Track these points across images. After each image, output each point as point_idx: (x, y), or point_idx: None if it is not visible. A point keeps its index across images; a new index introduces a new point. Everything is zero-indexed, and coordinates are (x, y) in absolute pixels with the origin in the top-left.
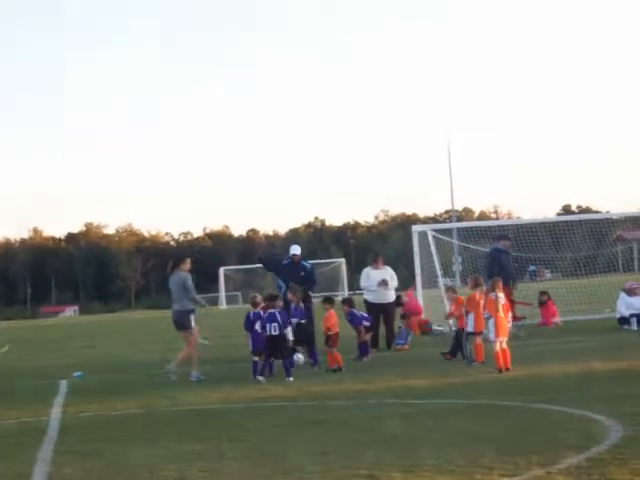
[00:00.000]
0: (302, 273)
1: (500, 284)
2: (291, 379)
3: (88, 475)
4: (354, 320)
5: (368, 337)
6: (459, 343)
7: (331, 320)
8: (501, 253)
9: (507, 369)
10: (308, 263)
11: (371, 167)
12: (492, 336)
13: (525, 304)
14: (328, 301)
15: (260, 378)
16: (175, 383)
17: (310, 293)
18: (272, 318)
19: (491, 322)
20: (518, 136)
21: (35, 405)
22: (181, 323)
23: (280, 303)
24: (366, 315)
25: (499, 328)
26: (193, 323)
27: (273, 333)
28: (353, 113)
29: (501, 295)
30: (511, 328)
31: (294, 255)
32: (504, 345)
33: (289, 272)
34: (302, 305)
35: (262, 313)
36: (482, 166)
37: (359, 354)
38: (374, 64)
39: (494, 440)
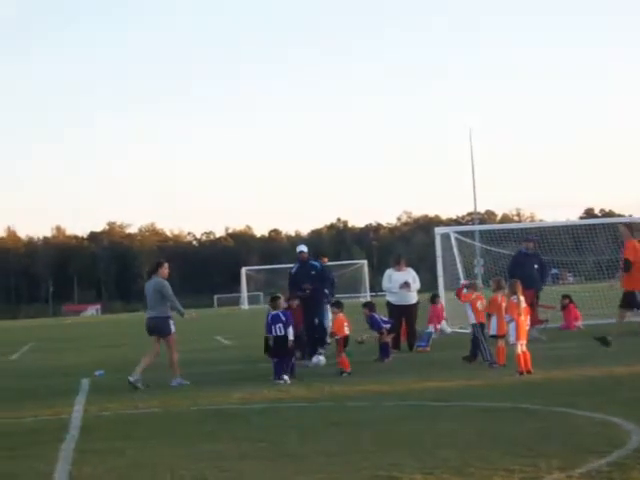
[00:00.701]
0: (312, 272)
1: (519, 286)
2: (288, 380)
3: (109, 474)
4: (374, 324)
5: (389, 339)
6: (476, 345)
7: (337, 324)
8: (522, 256)
9: (528, 372)
10: (318, 262)
11: (394, 169)
12: (512, 339)
13: (548, 307)
14: (336, 305)
15: (285, 377)
16: (195, 383)
17: (326, 292)
18: (277, 319)
19: (512, 325)
20: (541, 139)
21: (56, 403)
22: (159, 330)
23: (282, 303)
24: (386, 319)
25: (520, 331)
26: (173, 328)
27: (279, 334)
28: (377, 114)
29: (522, 298)
30: (530, 331)
31: (301, 252)
32: (524, 348)
33: (299, 275)
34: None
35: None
36: (505, 168)
37: (380, 355)
38: (399, 64)
39: (514, 443)
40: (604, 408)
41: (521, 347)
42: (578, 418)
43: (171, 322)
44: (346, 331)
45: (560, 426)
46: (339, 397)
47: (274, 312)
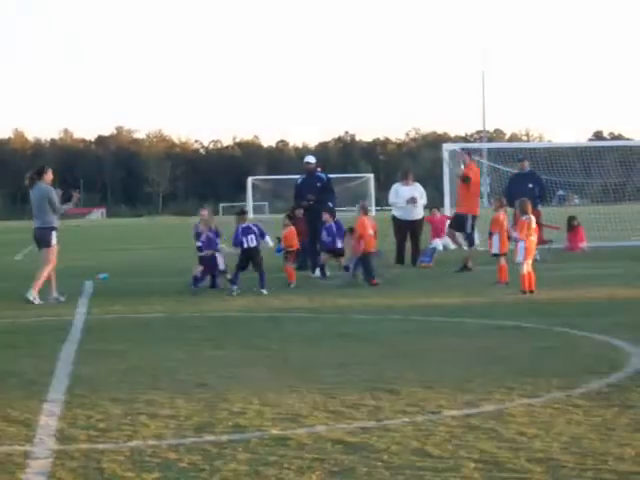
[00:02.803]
0: (318, 184)
1: (529, 206)
2: (264, 292)
3: (110, 376)
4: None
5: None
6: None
7: (290, 237)
8: (516, 176)
9: (531, 291)
10: (324, 174)
11: (404, 84)
12: (520, 258)
13: (553, 228)
14: (288, 217)
15: (234, 287)
16: (200, 289)
17: (330, 205)
18: (248, 230)
19: (521, 245)
20: (553, 59)
21: (59, 305)
22: (42, 240)
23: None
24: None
25: (528, 251)
26: (54, 241)
27: (250, 245)
28: (388, 28)
29: (532, 217)
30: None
31: (307, 163)
32: (530, 267)
33: (305, 186)
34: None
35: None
36: (515, 88)
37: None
38: None
39: (515, 361)
40: (606, 330)
41: (527, 267)
42: (579, 339)
43: (53, 233)
44: (296, 244)
45: (561, 346)
46: (343, 309)
47: (244, 224)
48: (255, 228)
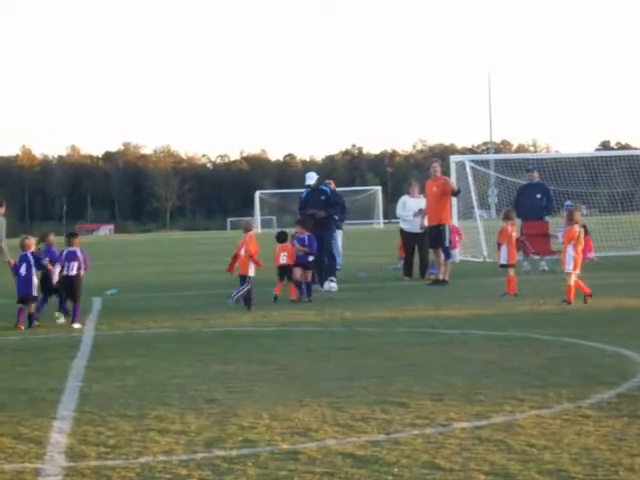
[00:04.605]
0: (322, 197)
1: (578, 215)
2: (76, 326)
3: (119, 392)
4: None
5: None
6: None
7: (276, 255)
8: (524, 187)
9: (569, 302)
10: (328, 187)
11: (410, 96)
12: (570, 267)
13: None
14: (277, 237)
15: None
16: (208, 305)
17: (336, 217)
18: (73, 257)
19: (570, 253)
20: (560, 69)
21: (68, 321)
22: None
23: (52, 238)
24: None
25: (577, 261)
26: None
27: (70, 273)
28: (395, 41)
29: (580, 229)
30: (541, 261)
31: (309, 185)
32: (576, 278)
33: (310, 201)
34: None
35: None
36: (522, 98)
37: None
38: None
39: (525, 372)
40: (614, 340)
41: (575, 277)
42: (588, 349)
43: None
44: (281, 261)
45: (570, 357)
46: (350, 322)
47: (70, 249)
48: (80, 255)
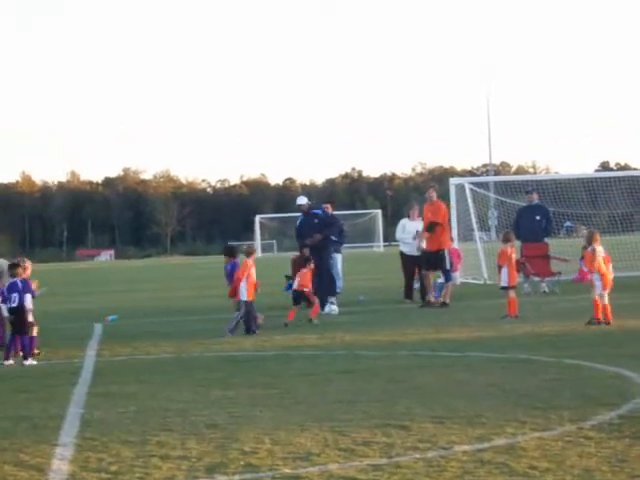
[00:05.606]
0: (316, 221)
1: (598, 237)
2: (27, 363)
3: (121, 418)
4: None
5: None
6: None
7: (306, 279)
8: (523, 209)
9: (607, 322)
10: (320, 210)
11: (409, 119)
12: (599, 290)
13: (562, 260)
14: (307, 260)
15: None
16: (209, 329)
17: (333, 238)
18: (14, 288)
19: (596, 277)
20: (559, 91)
21: (69, 348)
22: None
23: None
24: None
25: (605, 280)
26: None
27: (12, 305)
28: (393, 64)
29: (600, 248)
30: (542, 283)
31: (300, 205)
32: (606, 299)
33: (304, 226)
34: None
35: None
36: (521, 120)
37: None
38: (414, 13)
39: (526, 394)
40: (616, 361)
41: (606, 298)
42: (589, 370)
43: None
44: (295, 286)
45: (572, 378)
46: (351, 346)
47: (12, 280)
48: (20, 285)
